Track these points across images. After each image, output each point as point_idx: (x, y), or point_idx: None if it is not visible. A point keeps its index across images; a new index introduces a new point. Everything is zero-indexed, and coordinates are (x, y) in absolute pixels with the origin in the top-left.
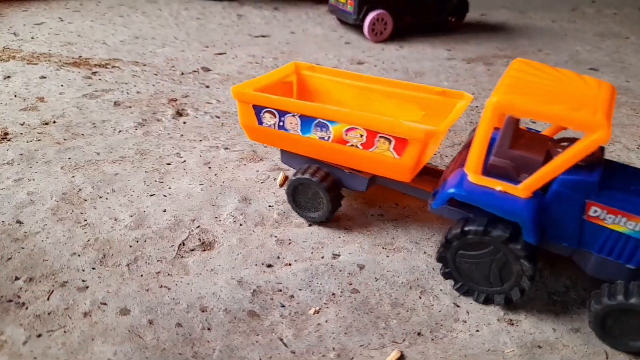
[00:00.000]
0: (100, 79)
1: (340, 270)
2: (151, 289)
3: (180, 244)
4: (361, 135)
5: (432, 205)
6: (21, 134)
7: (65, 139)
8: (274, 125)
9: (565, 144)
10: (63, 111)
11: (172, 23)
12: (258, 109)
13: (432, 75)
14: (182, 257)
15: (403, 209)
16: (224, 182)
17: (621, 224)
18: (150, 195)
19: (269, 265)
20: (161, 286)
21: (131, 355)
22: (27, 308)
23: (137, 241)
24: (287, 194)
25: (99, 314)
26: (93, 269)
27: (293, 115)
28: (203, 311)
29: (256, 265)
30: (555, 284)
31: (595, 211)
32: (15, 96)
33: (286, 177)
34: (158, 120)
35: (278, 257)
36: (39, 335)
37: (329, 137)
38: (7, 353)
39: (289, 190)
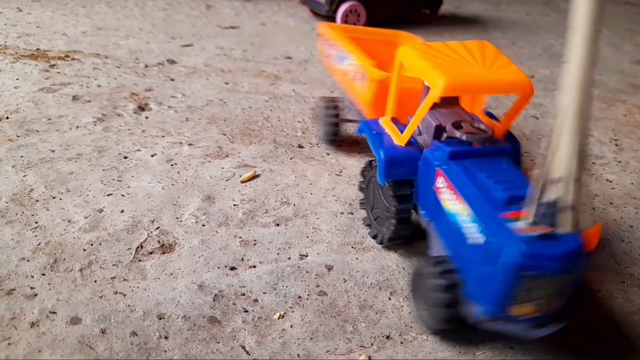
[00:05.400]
0: (58, 72)
1: (307, 272)
2: (105, 296)
3: (137, 247)
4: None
5: (356, 133)
6: None
7: (18, 136)
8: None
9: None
10: (17, 106)
11: (138, 14)
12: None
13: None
14: (140, 260)
15: None
16: (186, 180)
17: (451, 201)
18: (108, 195)
19: (232, 268)
20: (116, 292)
21: None
22: None
23: (92, 244)
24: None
25: (47, 324)
26: (43, 275)
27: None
28: (160, 318)
29: (219, 268)
30: None
31: (442, 182)
32: None
33: (254, 175)
34: (119, 115)
35: (242, 259)
36: None
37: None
38: None
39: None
